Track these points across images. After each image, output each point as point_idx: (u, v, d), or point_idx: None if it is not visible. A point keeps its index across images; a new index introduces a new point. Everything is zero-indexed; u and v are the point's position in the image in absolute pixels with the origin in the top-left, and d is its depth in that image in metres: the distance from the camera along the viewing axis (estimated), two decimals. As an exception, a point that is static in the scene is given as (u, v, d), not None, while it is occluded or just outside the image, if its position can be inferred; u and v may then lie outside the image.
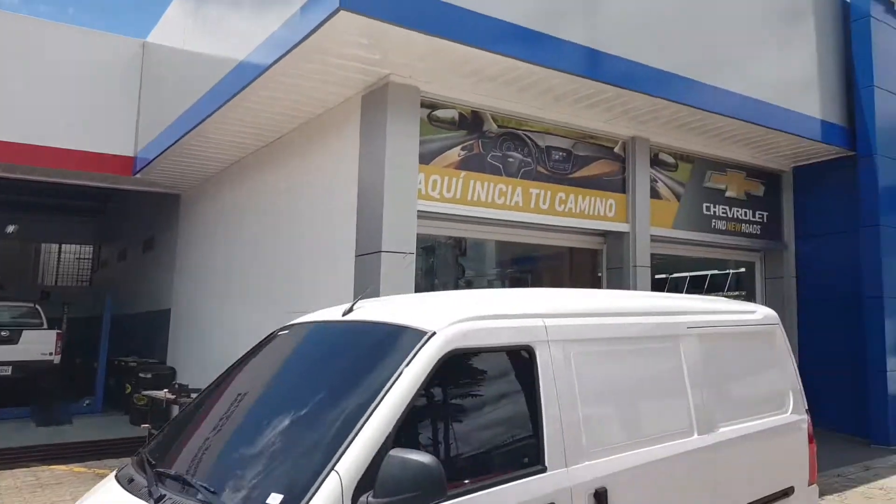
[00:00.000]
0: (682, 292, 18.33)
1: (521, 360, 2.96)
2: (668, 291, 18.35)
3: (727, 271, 15.62)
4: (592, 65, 6.67)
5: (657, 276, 18.05)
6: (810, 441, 4.35)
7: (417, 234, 6.72)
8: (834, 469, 7.68)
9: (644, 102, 7.47)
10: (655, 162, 8.74)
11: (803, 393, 4.47)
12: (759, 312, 4.50)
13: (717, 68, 7.83)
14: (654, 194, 8.65)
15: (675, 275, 17.79)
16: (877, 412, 8.93)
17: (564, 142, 7.90)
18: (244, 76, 6.93)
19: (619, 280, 8.38)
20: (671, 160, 8.95)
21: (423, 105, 6.77)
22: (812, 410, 9.74)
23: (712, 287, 16.58)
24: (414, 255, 6.51)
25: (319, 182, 7.64)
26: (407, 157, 6.50)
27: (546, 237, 8.19)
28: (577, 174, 7.97)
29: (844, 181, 9.48)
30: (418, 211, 6.61)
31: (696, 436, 3.54)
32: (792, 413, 4.31)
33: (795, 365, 4.54)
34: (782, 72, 8.64)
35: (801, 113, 8.78)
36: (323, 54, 6.09)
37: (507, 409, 2.95)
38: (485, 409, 2.90)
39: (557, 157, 7.82)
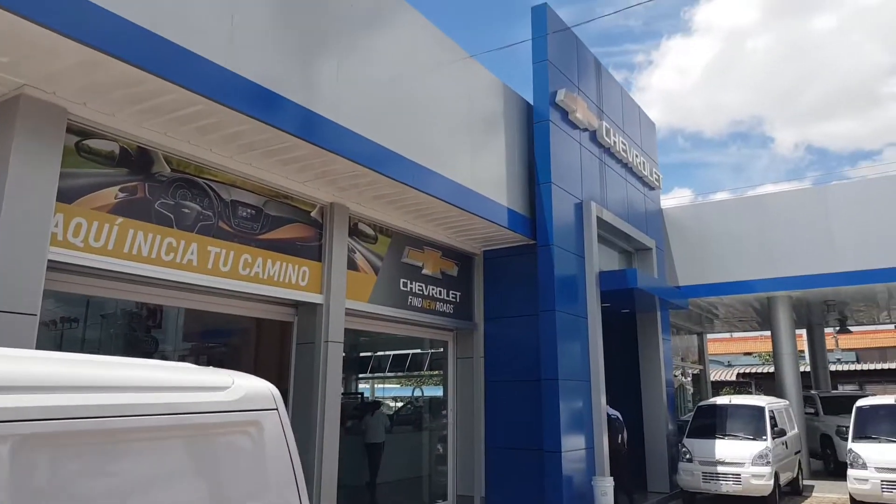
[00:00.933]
0: (385, 372, 18.21)
1: None
2: (371, 371, 18.15)
3: (428, 351, 15.94)
4: (286, 116, 6.05)
5: (362, 354, 17.82)
6: None
7: (51, 292, 5.27)
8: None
9: (343, 167, 7.05)
10: (354, 232, 8.35)
11: None
12: (236, 389, 2.52)
13: (419, 147, 7.79)
14: (352, 265, 8.21)
15: (380, 353, 17.66)
16: (552, 493, 9.23)
17: (254, 198, 7.08)
18: None
19: (311, 356, 7.63)
20: (370, 232, 8.66)
21: (71, 131, 5.45)
22: (497, 494, 9.90)
23: (413, 366, 16.70)
24: (36, 317, 5.01)
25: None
26: (37, 190, 5.07)
27: (228, 305, 7.15)
28: (268, 236, 7.16)
29: (526, 268, 10.11)
30: (50, 261, 5.17)
31: None
32: None
33: (301, 477, 2.66)
34: (478, 161, 9.01)
35: (493, 200, 9.21)
36: (-84, 40, 4.53)
37: None
38: None
39: (245, 214, 6.95)
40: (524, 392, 9.89)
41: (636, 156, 13.09)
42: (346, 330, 7.92)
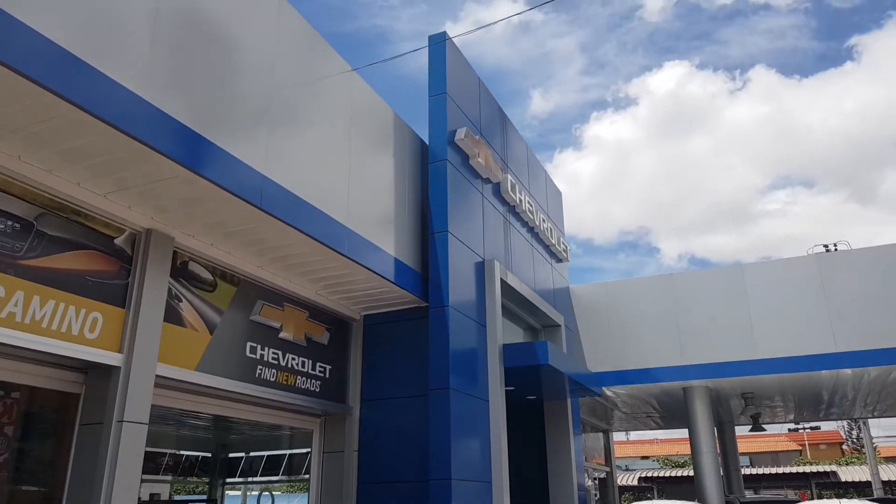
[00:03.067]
0: (257, 475, 15.49)
1: None
2: (242, 474, 15.36)
3: (307, 450, 13.56)
4: (49, 67, 4.09)
5: (231, 455, 14.99)
6: None
7: None
8: None
9: (163, 169, 5.08)
10: (182, 273, 6.23)
11: None
12: None
13: (278, 158, 5.94)
14: (174, 317, 6.03)
15: (253, 454, 15.04)
16: None
17: (23, 207, 4.93)
18: None
19: (97, 443, 5.28)
20: (208, 276, 6.55)
21: None
22: None
23: (292, 468, 14.04)
24: None
25: None
26: None
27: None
28: (39, 262, 4.96)
29: (416, 337, 8.20)
30: None
31: None
32: None
33: None
34: (358, 192, 7.24)
35: (377, 246, 7.41)
36: None
37: None
38: None
39: (3, 227, 4.77)
40: (407, 498, 7.72)
41: (543, 220, 11.76)
42: (153, 406, 5.67)
